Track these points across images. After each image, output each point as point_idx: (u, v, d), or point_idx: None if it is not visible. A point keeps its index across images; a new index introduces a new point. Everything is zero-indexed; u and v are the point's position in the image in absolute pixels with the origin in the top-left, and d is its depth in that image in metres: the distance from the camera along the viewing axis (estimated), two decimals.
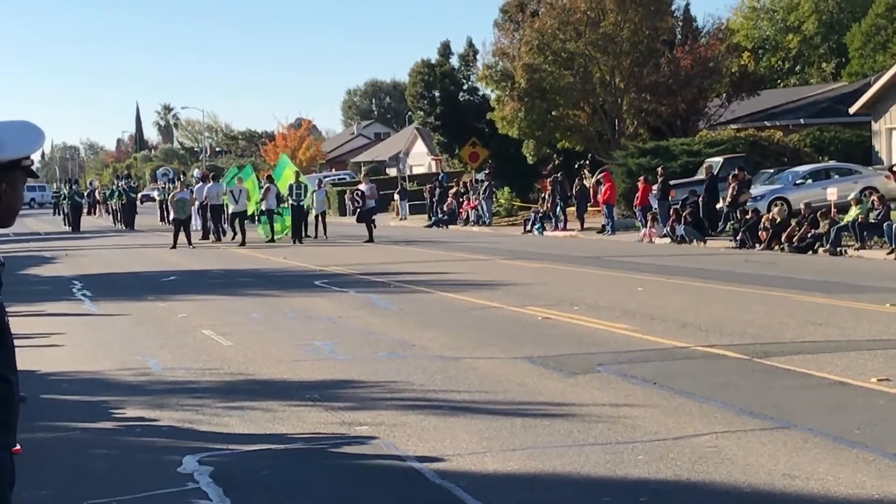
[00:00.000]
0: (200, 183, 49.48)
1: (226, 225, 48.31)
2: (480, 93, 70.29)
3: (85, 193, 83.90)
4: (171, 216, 45.38)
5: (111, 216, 71.70)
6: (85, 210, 73.61)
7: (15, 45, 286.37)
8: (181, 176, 67.76)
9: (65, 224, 66.45)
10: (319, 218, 46.96)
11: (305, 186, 45.41)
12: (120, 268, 33.87)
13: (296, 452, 10.35)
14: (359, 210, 44.82)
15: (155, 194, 72.20)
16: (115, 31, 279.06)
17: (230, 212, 44.85)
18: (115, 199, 68.23)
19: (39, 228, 63.90)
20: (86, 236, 55.56)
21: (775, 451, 9.79)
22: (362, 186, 46.13)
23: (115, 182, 72.09)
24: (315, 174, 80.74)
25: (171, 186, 58.59)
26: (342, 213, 68.11)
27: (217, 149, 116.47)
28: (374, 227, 43.76)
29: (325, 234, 46.22)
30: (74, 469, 10.13)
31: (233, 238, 44.75)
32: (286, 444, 10.62)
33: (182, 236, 42.18)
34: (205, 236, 47.08)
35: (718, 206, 40.16)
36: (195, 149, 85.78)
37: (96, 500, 9.05)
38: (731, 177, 39.61)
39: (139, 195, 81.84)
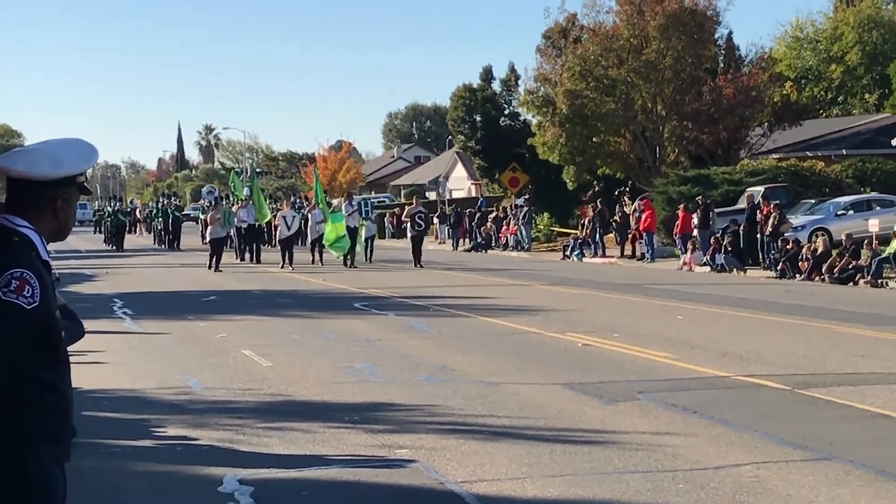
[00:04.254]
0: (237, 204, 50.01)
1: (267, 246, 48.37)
2: (521, 118, 70.33)
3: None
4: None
5: (153, 235, 71.73)
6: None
7: (58, 64, 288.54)
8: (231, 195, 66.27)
9: (106, 242, 66.68)
10: (369, 242, 46.69)
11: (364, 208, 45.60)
12: (160, 286, 34.05)
13: (335, 474, 10.35)
14: (418, 232, 44.17)
15: (199, 214, 72.02)
16: (158, 52, 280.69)
17: (279, 238, 44.13)
18: (159, 218, 68.18)
19: (80, 246, 64.18)
20: (127, 255, 55.87)
21: (817, 482, 9.75)
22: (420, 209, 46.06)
23: (161, 201, 71.92)
24: (358, 197, 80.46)
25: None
26: (381, 235, 68.12)
27: (258, 170, 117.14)
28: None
29: (370, 258, 45.80)
30: (115, 487, 10.17)
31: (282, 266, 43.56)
32: (326, 465, 10.63)
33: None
34: (239, 258, 47.42)
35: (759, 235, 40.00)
36: (236, 169, 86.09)
37: None
38: (763, 205, 39.36)
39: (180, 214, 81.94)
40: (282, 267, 41.29)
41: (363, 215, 45.37)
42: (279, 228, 43.88)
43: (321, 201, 45.92)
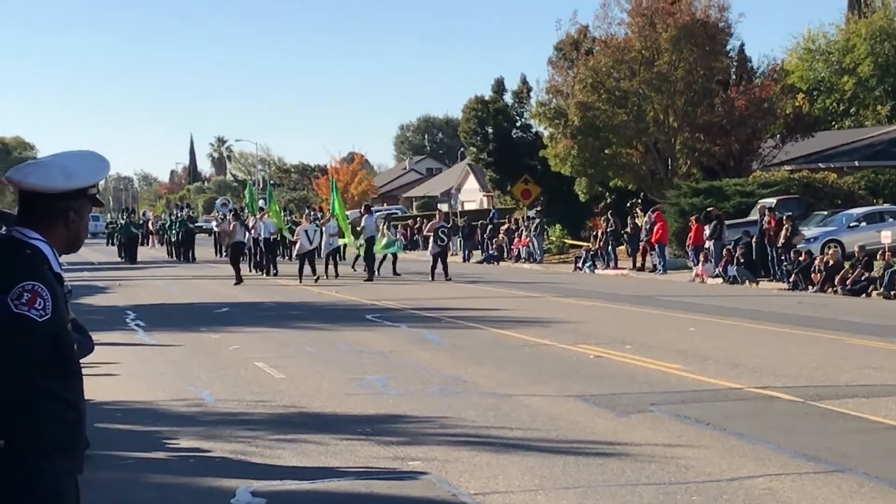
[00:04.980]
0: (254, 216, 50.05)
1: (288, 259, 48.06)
2: (533, 130, 70.27)
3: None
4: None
5: (166, 247, 71.52)
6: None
7: (71, 77, 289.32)
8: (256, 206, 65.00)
9: (120, 255, 66.43)
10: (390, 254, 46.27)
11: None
12: (173, 298, 34.08)
13: (348, 486, 10.35)
14: (441, 248, 43.39)
15: (213, 225, 71.76)
16: (171, 65, 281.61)
17: (299, 251, 43.53)
18: (173, 230, 67.91)
19: (93, 258, 64.22)
20: (139, 267, 55.88)
21: (830, 494, 9.73)
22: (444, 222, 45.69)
23: (176, 213, 71.67)
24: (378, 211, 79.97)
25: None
26: None
27: (270, 181, 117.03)
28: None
29: (378, 271, 45.45)
30: (128, 499, 10.19)
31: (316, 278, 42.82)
32: (338, 477, 10.64)
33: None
34: (259, 270, 47.24)
35: None
36: (250, 182, 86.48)
37: None
38: (774, 218, 39.15)
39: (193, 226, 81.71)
40: (301, 281, 40.61)
41: (389, 229, 45.50)
42: (300, 242, 43.28)
43: (339, 212, 45.58)
